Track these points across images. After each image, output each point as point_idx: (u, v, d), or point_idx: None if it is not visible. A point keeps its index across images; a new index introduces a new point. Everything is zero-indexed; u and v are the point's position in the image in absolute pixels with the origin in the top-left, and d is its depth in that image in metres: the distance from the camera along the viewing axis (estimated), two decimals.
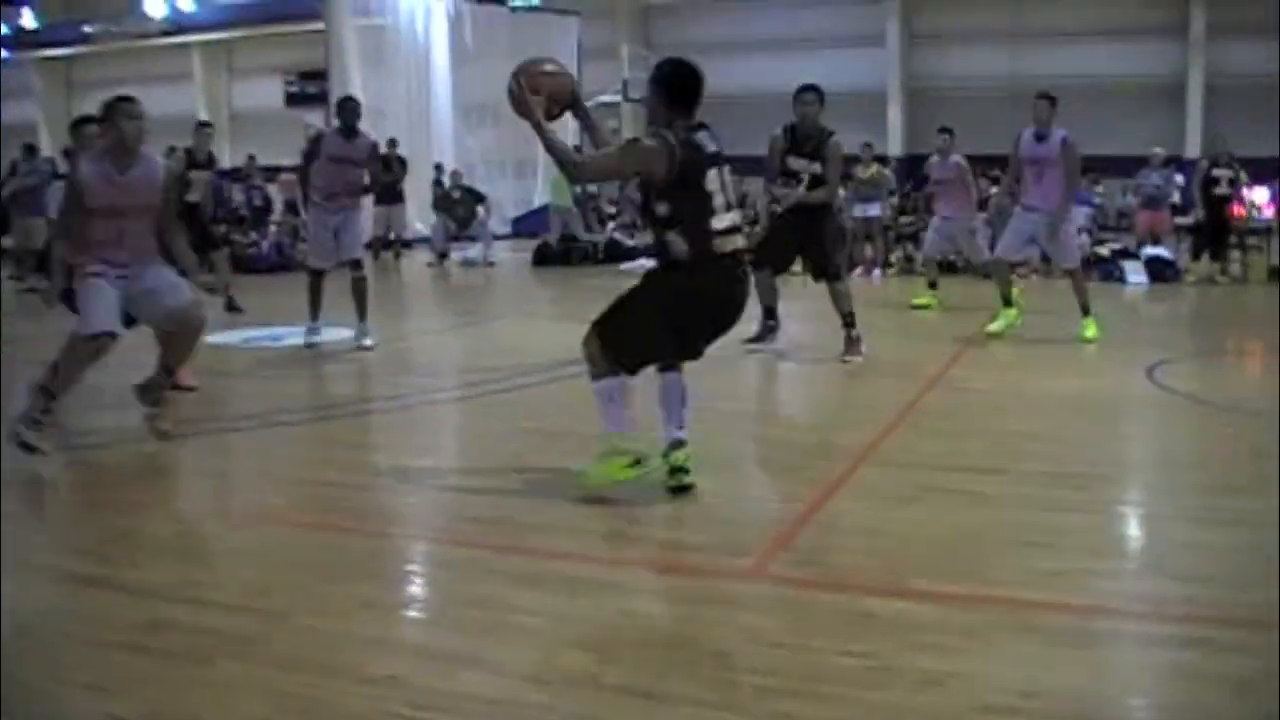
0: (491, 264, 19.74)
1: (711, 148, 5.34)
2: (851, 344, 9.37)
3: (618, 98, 28.11)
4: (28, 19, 26.74)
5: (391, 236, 20.36)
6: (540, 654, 3.78)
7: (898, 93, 28.58)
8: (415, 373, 9.53)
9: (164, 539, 5.29)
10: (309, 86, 31.17)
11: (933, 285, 13.38)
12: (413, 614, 4.14)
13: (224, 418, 7.85)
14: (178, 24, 31.20)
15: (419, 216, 22.35)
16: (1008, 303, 10.71)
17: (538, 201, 26.26)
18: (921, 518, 5.17)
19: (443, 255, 20.19)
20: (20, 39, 30.52)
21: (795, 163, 9.42)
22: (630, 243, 19.67)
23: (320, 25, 23.32)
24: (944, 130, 13.81)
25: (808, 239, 9.54)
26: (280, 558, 4.84)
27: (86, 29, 32.02)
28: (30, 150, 18.67)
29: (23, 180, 17.81)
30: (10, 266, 18.72)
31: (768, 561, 4.63)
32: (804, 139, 9.42)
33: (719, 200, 5.27)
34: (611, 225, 21.42)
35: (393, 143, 20.55)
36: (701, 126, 5.35)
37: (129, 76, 34.15)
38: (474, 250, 20.12)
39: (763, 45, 28.48)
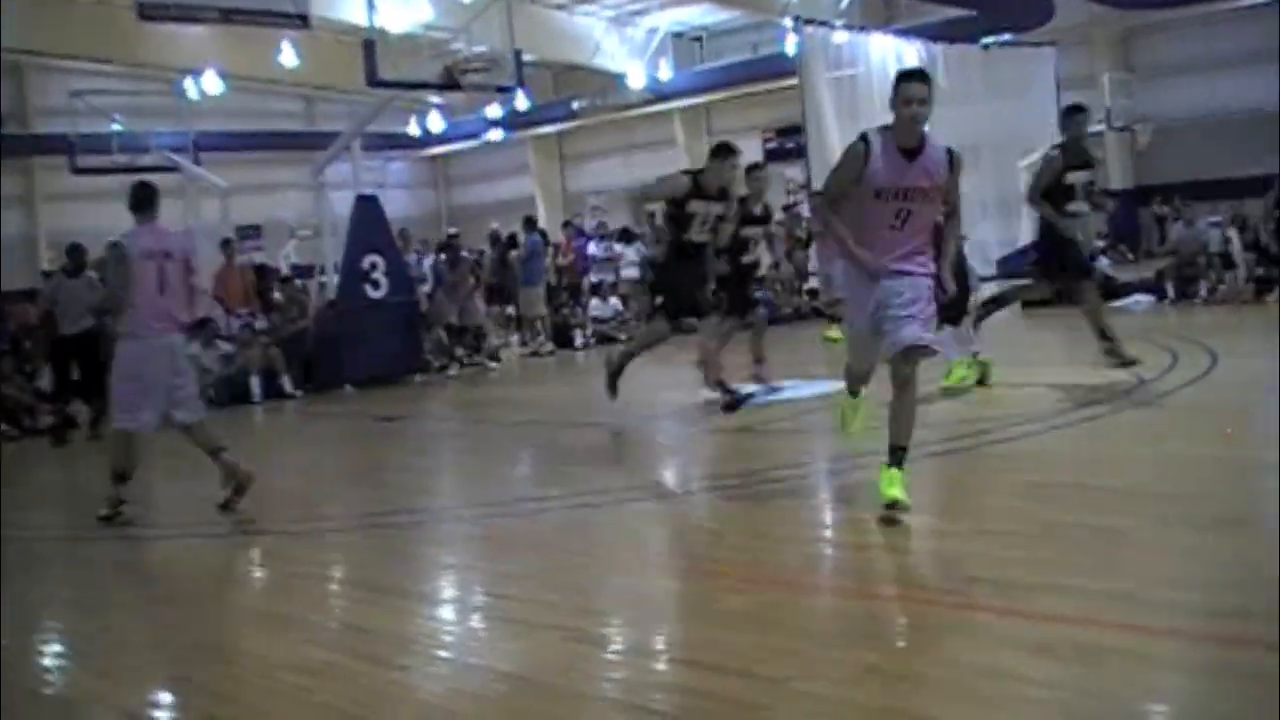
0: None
1: None
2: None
3: (1101, 127, 26.71)
4: (521, 101, 29.05)
5: None
6: None
7: None
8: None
9: (657, 599, 5.39)
10: (786, 142, 31.83)
11: None
12: (918, 682, 3.92)
13: (712, 476, 7.97)
14: (658, 93, 32.71)
15: None
16: None
17: (1022, 240, 25.36)
18: None
19: None
20: (515, 120, 32.97)
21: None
22: (1123, 278, 18.58)
23: (794, 81, 23.68)
24: None
25: None
26: (776, 621, 4.76)
27: (574, 105, 34.28)
28: (530, 223, 19.81)
29: (521, 251, 19.07)
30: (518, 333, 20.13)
31: None
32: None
33: None
34: (1104, 260, 20.22)
35: None
36: None
37: (614, 146, 36.25)
38: None
39: (1263, 56, 26.04)
